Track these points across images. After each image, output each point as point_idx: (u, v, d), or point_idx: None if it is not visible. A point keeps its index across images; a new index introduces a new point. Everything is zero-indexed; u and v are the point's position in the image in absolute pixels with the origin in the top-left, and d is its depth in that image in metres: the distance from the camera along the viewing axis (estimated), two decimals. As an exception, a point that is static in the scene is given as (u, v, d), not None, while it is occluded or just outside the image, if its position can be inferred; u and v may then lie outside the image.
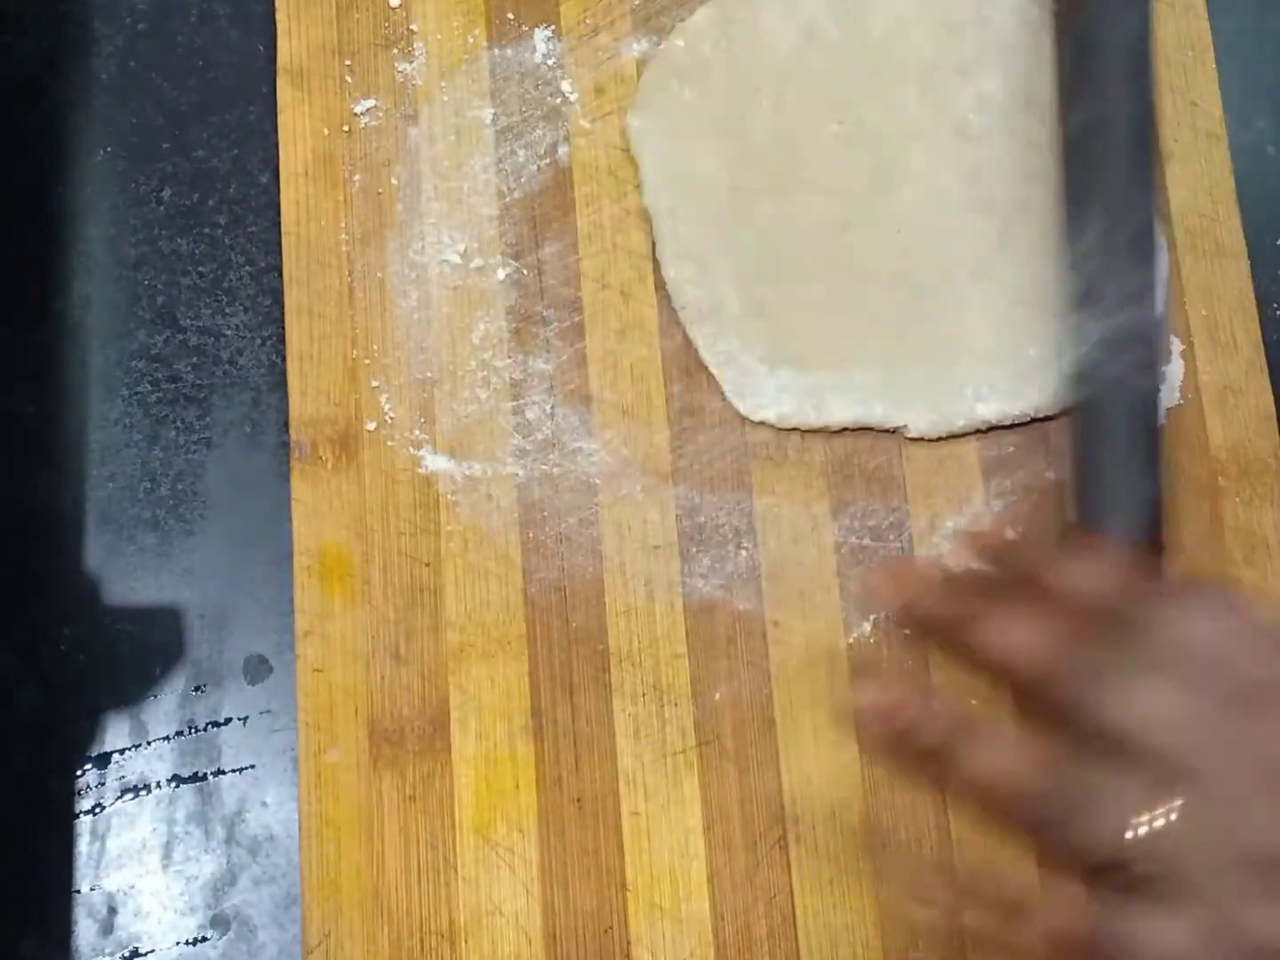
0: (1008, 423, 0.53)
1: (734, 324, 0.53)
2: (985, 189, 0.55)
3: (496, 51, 0.56)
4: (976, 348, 0.53)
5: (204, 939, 0.50)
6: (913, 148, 0.55)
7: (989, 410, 0.53)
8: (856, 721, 0.47)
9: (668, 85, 0.56)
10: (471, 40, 0.56)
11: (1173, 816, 0.33)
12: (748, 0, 0.56)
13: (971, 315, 0.54)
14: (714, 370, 0.53)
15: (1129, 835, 0.33)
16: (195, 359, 0.54)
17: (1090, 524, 0.45)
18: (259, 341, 0.54)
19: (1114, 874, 0.34)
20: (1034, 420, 0.53)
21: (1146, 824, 0.33)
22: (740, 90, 0.56)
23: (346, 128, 0.55)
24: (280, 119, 0.55)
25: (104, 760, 0.51)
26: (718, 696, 0.50)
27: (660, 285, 0.54)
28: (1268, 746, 0.34)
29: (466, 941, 0.48)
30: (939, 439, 0.53)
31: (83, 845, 0.50)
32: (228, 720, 0.51)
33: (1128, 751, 0.34)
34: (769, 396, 0.53)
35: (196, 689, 0.51)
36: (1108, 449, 0.46)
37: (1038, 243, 0.54)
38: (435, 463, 0.52)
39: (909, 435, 0.53)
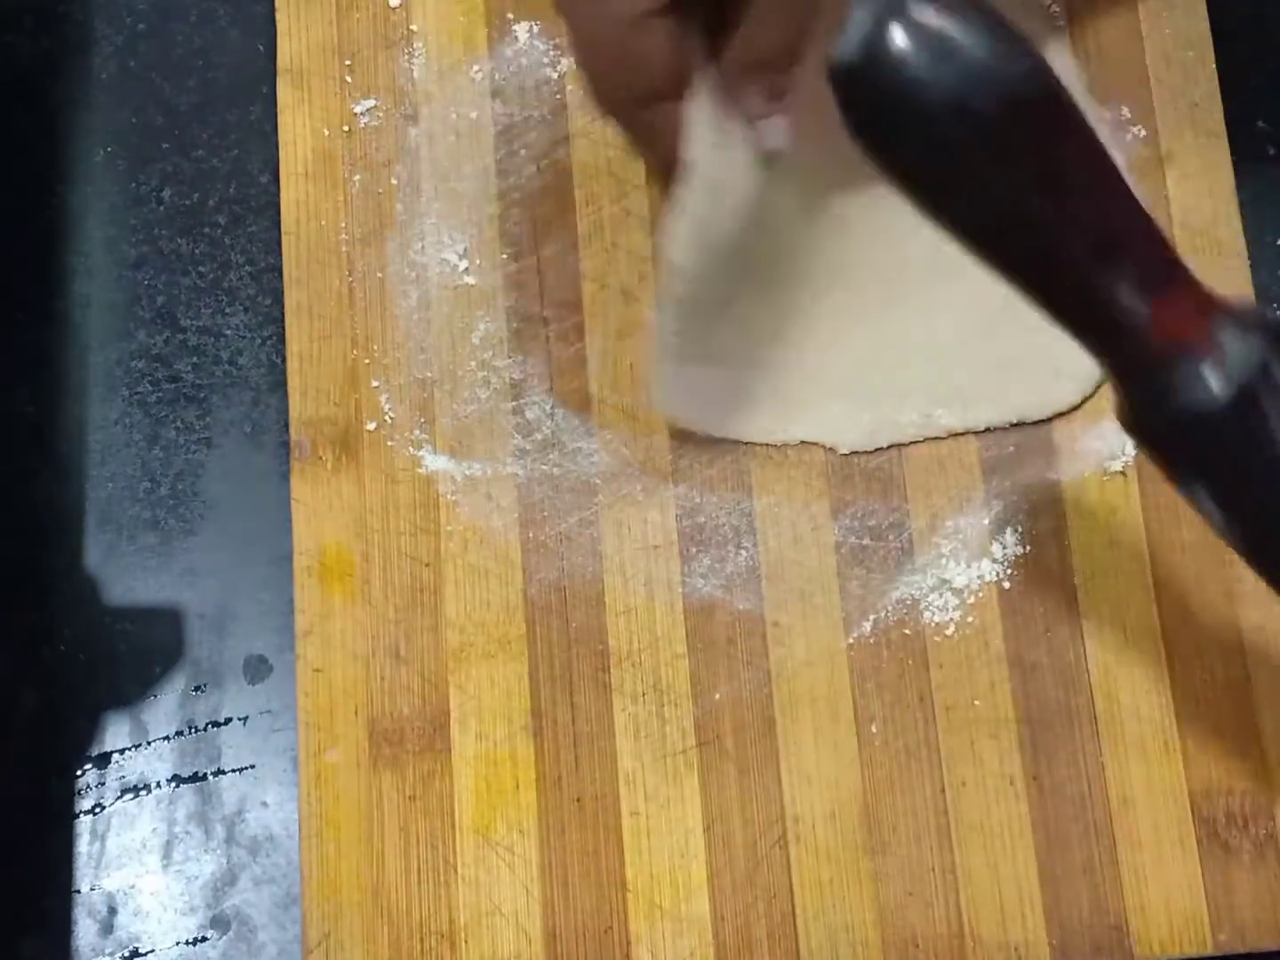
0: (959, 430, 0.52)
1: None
2: None
3: (496, 51, 0.56)
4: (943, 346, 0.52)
5: (204, 939, 0.50)
6: None
7: (951, 418, 0.52)
8: None
9: None
10: (471, 40, 0.56)
11: None
12: None
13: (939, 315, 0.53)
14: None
15: None
16: (195, 359, 0.54)
17: None
18: (259, 341, 0.54)
19: None
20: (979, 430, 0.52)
21: None
22: None
23: (346, 128, 0.55)
24: (280, 119, 0.55)
25: (104, 760, 0.51)
26: (718, 696, 0.50)
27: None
28: None
29: (466, 941, 0.48)
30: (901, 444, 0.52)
31: (83, 845, 0.50)
32: (228, 720, 0.51)
33: None
34: (676, 393, 0.51)
35: (196, 689, 0.51)
36: None
37: None
38: (435, 463, 0.52)
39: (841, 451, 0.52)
